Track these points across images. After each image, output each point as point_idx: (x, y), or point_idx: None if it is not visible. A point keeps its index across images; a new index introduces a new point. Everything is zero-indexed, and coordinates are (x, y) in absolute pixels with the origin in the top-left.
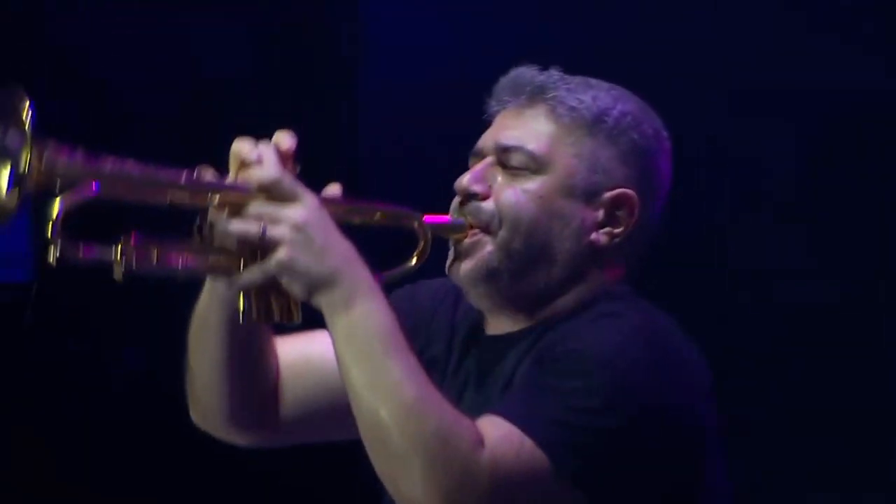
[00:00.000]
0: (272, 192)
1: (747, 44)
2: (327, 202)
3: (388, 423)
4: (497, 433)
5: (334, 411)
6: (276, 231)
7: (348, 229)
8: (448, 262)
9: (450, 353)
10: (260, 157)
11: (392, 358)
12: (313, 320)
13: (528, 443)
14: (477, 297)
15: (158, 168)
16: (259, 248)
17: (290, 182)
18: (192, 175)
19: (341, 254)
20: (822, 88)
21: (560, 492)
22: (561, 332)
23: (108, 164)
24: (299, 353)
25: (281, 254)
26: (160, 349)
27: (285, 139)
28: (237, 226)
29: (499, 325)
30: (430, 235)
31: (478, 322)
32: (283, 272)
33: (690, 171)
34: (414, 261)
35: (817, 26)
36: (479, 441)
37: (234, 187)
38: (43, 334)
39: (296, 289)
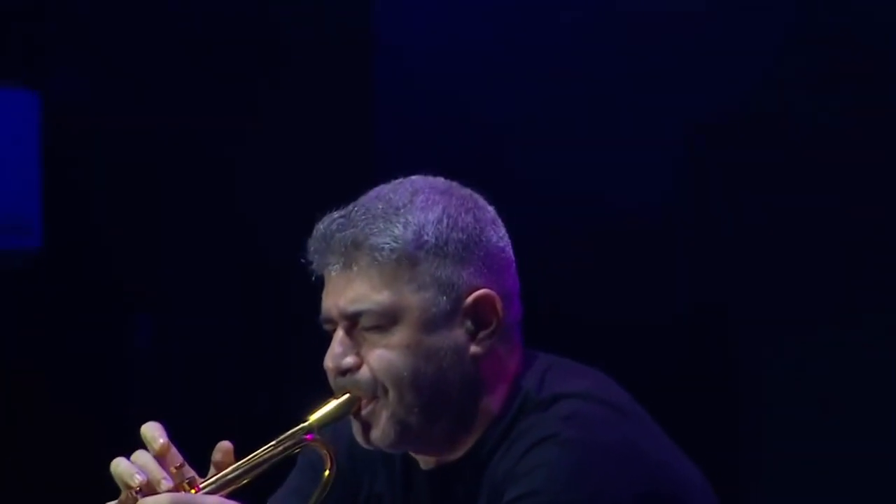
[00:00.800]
0: None
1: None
2: (223, 480)
3: None
4: None
5: None
6: None
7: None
8: (357, 435)
9: (393, 487)
10: (144, 482)
11: None
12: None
13: None
14: (399, 453)
15: None
16: None
17: (181, 500)
18: None
19: None
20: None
21: None
22: (500, 476)
23: None
24: None
25: None
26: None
27: (156, 438)
28: None
29: (429, 461)
30: (330, 448)
31: (411, 456)
32: None
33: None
34: (326, 475)
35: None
36: None
37: None
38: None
39: None
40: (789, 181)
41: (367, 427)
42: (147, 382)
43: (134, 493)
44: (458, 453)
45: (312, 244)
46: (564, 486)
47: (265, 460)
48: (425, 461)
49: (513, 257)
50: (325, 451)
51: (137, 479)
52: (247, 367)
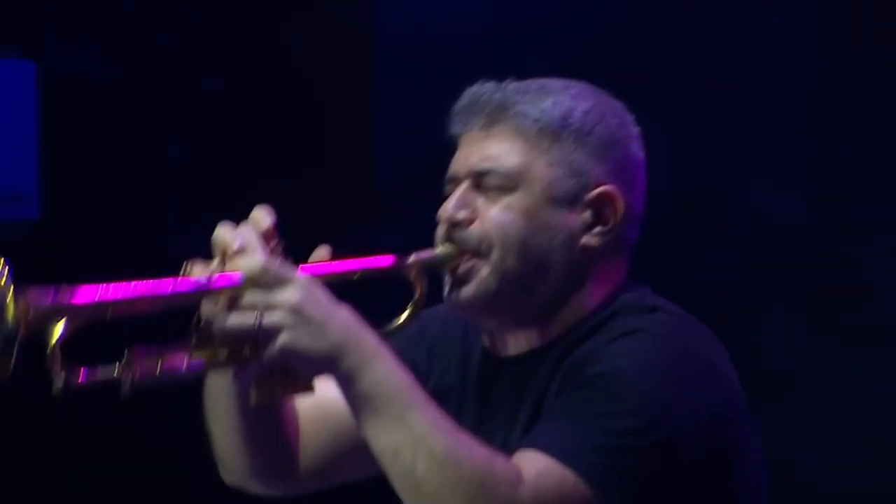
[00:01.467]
0: (261, 281)
1: None
2: (316, 272)
3: (423, 477)
4: (535, 468)
5: (355, 452)
6: (272, 318)
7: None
8: (445, 292)
9: (465, 379)
10: (243, 245)
11: (413, 414)
12: None
13: (568, 475)
14: (483, 322)
15: (143, 284)
16: (259, 337)
17: (276, 267)
18: (177, 283)
19: (342, 325)
20: None
21: None
22: (583, 355)
23: (93, 297)
24: (314, 402)
25: (281, 340)
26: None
27: (263, 218)
28: (233, 320)
29: (511, 346)
30: (424, 280)
31: (490, 345)
32: (288, 357)
33: None
34: (412, 308)
35: None
36: (518, 478)
37: (221, 285)
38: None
39: (303, 368)
40: None
41: (459, 283)
42: None
43: (227, 257)
44: (540, 341)
45: (458, 107)
46: (644, 378)
47: (359, 271)
48: (506, 346)
49: (645, 179)
50: (417, 280)
51: (237, 243)
52: None
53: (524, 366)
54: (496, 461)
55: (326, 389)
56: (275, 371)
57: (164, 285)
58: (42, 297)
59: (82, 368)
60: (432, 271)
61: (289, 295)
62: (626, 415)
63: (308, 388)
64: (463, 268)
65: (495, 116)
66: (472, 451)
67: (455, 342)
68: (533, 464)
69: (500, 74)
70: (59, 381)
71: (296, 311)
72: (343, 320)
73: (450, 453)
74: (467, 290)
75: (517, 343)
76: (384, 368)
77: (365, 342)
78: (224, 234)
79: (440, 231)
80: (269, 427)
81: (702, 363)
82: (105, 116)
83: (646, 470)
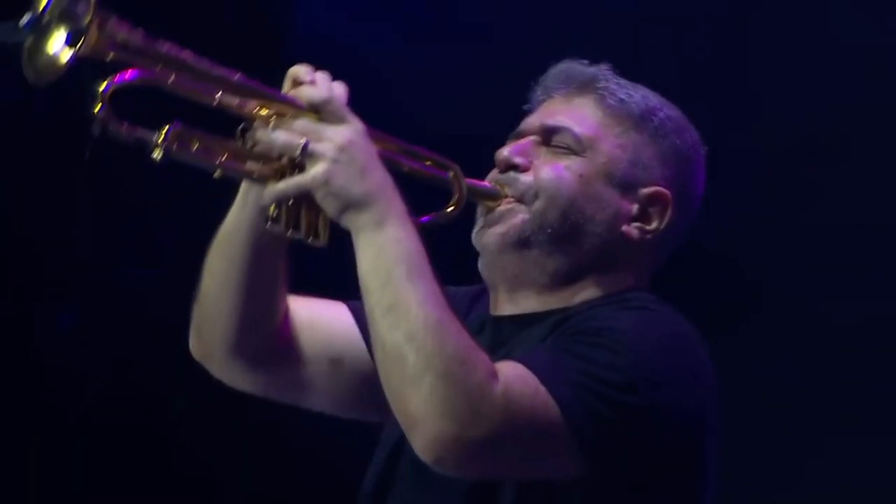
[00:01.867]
0: (322, 112)
1: None
2: (374, 135)
3: (406, 340)
4: (514, 373)
5: (332, 381)
6: (319, 147)
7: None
8: (476, 229)
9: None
10: (314, 80)
11: (415, 281)
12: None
13: (543, 392)
14: (500, 267)
15: (215, 64)
16: (299, 161)
17: (339, 105)
18: (248, 78)
19: (379, 179)
20: None
21: (564, 451)
22: (590, 313)
23: (166, 47)
24: (310, 314)
25: (320, 168)
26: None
27: (341, 86)
28: (282, 135)
29: (517, 304)
30: (465, 189)
31: (492, 307)
32: (320, 187)
33: None
34: (450, 209)
35: None
36: (495, 375)
37: (285, 98)
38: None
39: (329, 205)
40: None
41: (493, 222)
42: (67, 374)
43: (297, 86)
44: (542, 307)
45: (550, 73)
46: (641, 345)
47: (409, 165)
48: (512, 304)
49: (695, 211)
50: (460, 192)
51: (310, 76)
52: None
53: (526, 322)
54: (481, 353)
55: (327, 309)
56: (300, 202)
57: (233, 73)
58: (122, 24)
59: (125, 121)
60: (473, 200)
61: (342, 132)
62: (613, 369)
63: (320, 238)
64: (501, 208)
65: (584, 86)
66: (461, 334)
67: (461, 300)
68: (513, 370)
69: (411, 101)
70: (99, 124)
71: (343, 148)
72: (382, 176)
73: (441, 324)
74: (498, 229)
75: (518, 304)
76: (401, 232)
77: (395, 202)
78: (300, 68)
79: (491, 177)
80: (264, 290)
81: (697, 359)
82: (28, 135)
83: (615, 424)
